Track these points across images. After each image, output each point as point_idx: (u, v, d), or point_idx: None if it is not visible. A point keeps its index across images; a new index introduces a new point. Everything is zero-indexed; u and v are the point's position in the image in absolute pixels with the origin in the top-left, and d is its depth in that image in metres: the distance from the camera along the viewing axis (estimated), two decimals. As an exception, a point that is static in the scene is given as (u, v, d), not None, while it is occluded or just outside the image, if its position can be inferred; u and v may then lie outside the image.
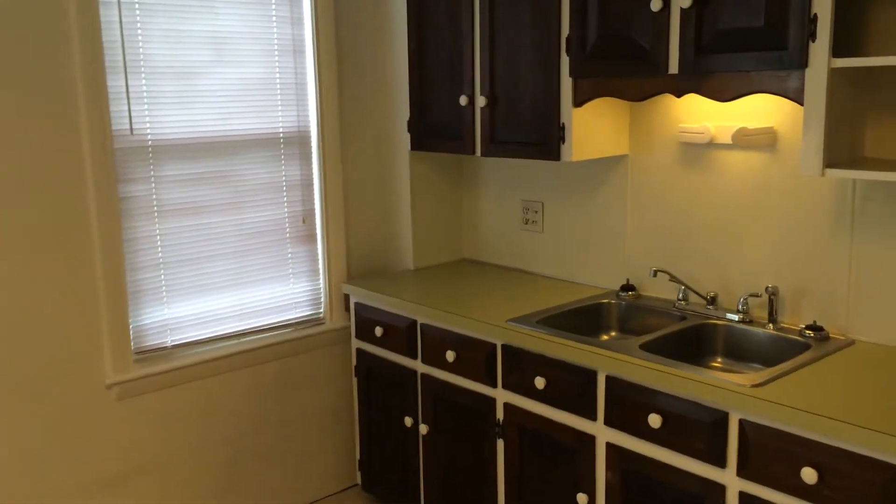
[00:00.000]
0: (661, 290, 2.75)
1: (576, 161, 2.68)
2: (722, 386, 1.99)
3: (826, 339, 2.31)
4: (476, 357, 2.63)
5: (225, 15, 2.84)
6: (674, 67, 2.27)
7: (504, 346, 2.53)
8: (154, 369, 2.80)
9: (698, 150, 2.61)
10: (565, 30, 2.53)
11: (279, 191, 3.08)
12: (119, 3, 2.59)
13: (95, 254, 2.63)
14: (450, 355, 2.70)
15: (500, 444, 2.60)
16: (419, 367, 2.86)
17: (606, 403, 2.27)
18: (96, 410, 2.70)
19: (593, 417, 2.31)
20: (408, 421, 2.92)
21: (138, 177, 2.72)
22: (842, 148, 2.13)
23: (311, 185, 3.16)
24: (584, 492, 2.35)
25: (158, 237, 2.78)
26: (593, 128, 2.66)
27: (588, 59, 2.49)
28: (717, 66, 2.20)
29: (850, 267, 2.31)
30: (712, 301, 2.58)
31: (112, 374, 2.71)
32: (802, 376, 2.06)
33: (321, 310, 3.25)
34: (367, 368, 3.11)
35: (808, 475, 1.83)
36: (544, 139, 2.66)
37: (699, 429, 2.05)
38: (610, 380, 2.25)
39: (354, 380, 3.19)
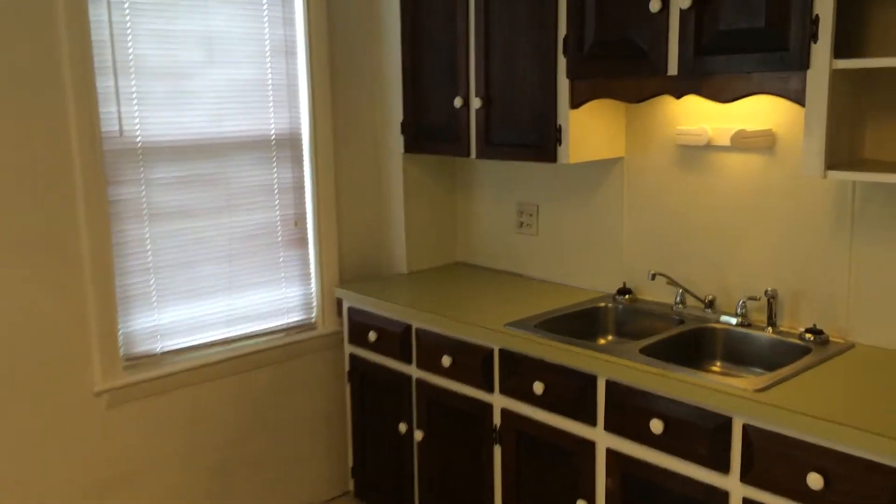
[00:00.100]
0: (658, 294, 2.73)
1: (572, 163, 2.65)
2: (725, 391, 1.97)
3: (826, 342, 2.29)
4: (472, 362, 2.59)
5: (216, 15, 2.79)
6: (673, 69, 2.25)
7: (501, 351, 2.50)
8: (144, 376, 2.74)
9: (695, 153, 2.60)
10: (562, 30, 2.51)
11: (271, 193, 3.03)
12: (108, 2, 2.54)
13: (84, 258, 2.58)
14: (446, 360, 2.66)
15: (497, 450, 2.57)
16: (414, 372, 2.82)
17: (606, 408, 2.24)
18: (85, 418, 2.65)
19: (593, 423, 2.28)
20: (402, 427, 2.88)
21: (128, 179, 2.66)
22: (842, 149, 2.12)
23: (302, 187, 3.12)
24: (583, 498, 2.32)
25: (148, 241, 2.73)
26: (590, 129, 2.63)
27: (585, 60, 2.47)
28: (717, 68, 2.18)
29: (849, 269, 2.30)
30: (710, 304, 2.56)
31: (101, 382, 2.65)
32: (805, 380, 2.04)
33: (313, 314, 3.21)
34: (361, 374, 3.07)
35: (814, 480, 1.81)
36: (541, 141, 2.64)
37: (701, 434, 2.03)
38: (610, 384, 2.22)
39: (347, 385, 3.15)
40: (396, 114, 3.14)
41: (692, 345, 2.46)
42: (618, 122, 2.73)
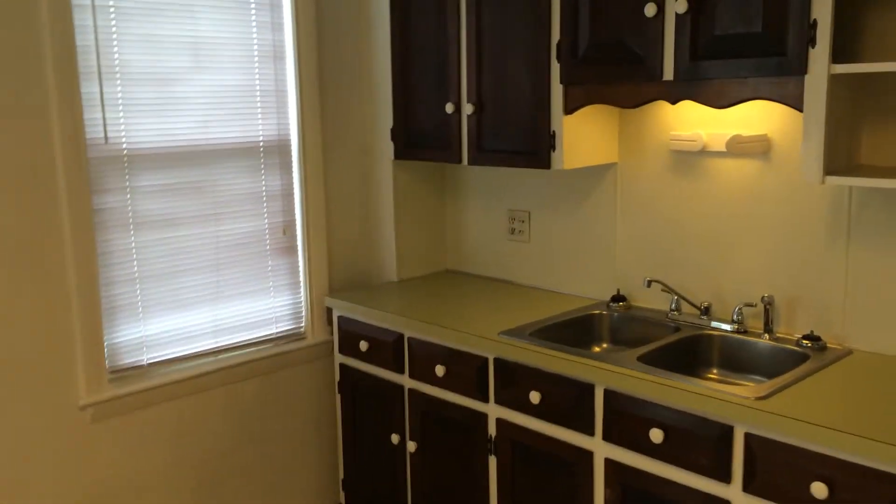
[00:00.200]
0: (652, 301, 2.70)
1: (565, 170, 2.63)
2: (726, 399, 1.94)
3: (823, 348, 2.28)
4: (467, 371, 2.56)
5: (203, 20, 2.74)
6: (669, 74, 2.24)
7: (496, 360, 2.46)
8: (130, 389, 2.68)
9: (690, 158, 2.58)
10: (556, 35, 2.49)
11: (259, 201, 2.98)
12: (93, 6, 2.49)
13: (68, 268, 2.51)
14: (439, 370, 2.62)
15: (493, 460, 2.53)
16: (406, 382, 2.78)
17: (605, 418, 2.21)
18: (70, 433, 2.58)
19: (591, 432, 2.25)
20: (395, 438, 2.84)
21: (113, 187, 2.60)
22: (840, 155, 2.11)
23: (291, 195, 3.07)
24: (581, 509, 2.29)
25: (134, 250, 2.67)
26: (583, 135, 2.61)
27: (579, 66, 2.45)
28: (713, 73, 2.16)
29: (846, 275, 2.29)
30: (706, 311, 2.54)
31: (86, 395, 2.58)
32: (805, 388, 2.02)
33: (302, 324, 3.16)
34: (352, 384, 3.02)
35: (818, 489, 1.79)
36: (534, 147, 2.61)
37: (702, 443, 2.00)
38: (608, 393, 2.19)
39: (338, 396, 3.10)
40: (386, 120, 3.10)
41: (689, 352, 2.44)
42: (611, 127, 2.71)
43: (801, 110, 2.04)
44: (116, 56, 2.55)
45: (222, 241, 2.89)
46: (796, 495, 1.84)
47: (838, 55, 1.99)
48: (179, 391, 2.80)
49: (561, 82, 2.50)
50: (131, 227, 2.66)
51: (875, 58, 2.10)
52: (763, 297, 2.38)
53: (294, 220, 3.09)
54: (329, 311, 3.11)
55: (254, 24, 2.88)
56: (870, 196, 2.22)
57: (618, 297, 2.75)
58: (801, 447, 1.82)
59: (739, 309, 2.44)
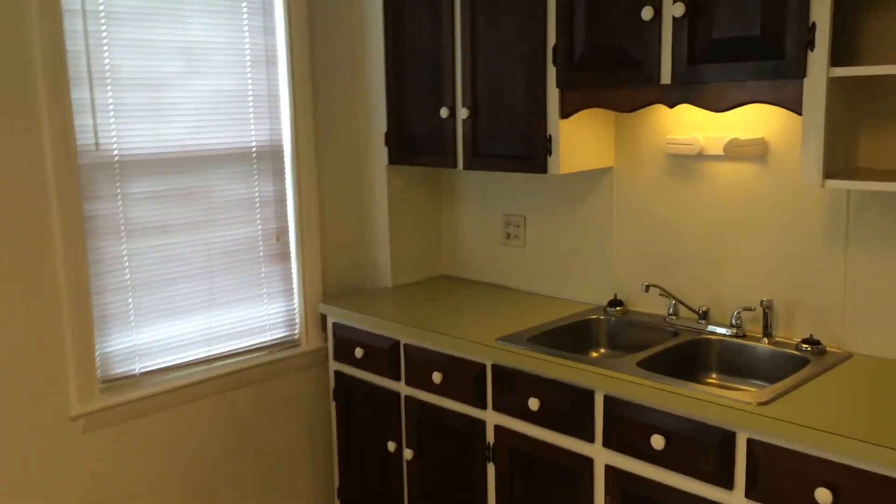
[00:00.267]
0: (650, 305, 2.69)
1: (562, 174, 2.61)
2: (728, 404, 1.92)
3: (823, 352, 2.27)
4: (464, 378, 2.53)
5: (195, 24, 2.71)
6: (666, 77, 2.22)
7: (494, 366, 2.44)
8: (122, 398, 2.64)
9: (687, 162, 2.57)
10: (551, 39, 2.47)
11: (252, 207, 2.95)
12: (84, 11, 2.45)
13: (59, 276, 2.47)
14: (436, 376, 2.60)
15: (491, 468, 2.50)
16: (403, 389, 2.75)
17: (605, 424, 2.19)
18: (61, 444, 2.53)
19: (591, 439, 2.23)
20: (391, 446, 2.81)
21: (104, 194, 2.57)
22: (838, 158, 2.10)
23: (284, 200, 3.04)
24: (581, 516, 2.27)
25: (126, 258, 2.63)
26: (579, 139, 2.60)
27: (576, 70, 2.43)
28: (711, 76, 2.15)
29: (844, 278, 2.28)
30: (704, 315, 2.52)
31: (77, 405, 2.54)
32: (807, 392, 2.01)
33: (296, 331, 3.12)
34: (347, 391, 2.99)
35: (823, 496, 1.77)
36: (530, 152, 2.59)
37: (704, 449, 1.98)
38: (608, 399, 2.17)
39: (333, 403, 3.07)
40: (380, 124, 3.07)
41: (688, 357, 2.42)
42: (607, 131, 2.70)
43: (800, 114, 2.03)
44: (107, 61, 2.52)
45: (215, 248, 2.86)
46: (800, 501, 1.82)
47: (836, 58, 1.99)
48: (172, 400, 2.77)
49: (557, 86, 2.48)
50: (123, 234, 2.62)
51: (873, 60, 2.10)
52: (762, 301, 2.37)
53: (287, 226, 3.06)
54: (323, 317, 3.08)
55: (246, 28, 2.85)
56: (868, 199, 2.21)
57: (615, 302, 2.74)
58: (804, 453, 1.81)
59: (738, 313, 2.43)
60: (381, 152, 3.09)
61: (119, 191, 2.60)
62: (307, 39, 2.99)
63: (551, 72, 2.49)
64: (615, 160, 2.74)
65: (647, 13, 2.21)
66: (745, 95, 2.14)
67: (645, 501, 2.13)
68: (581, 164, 2.62)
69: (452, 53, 2.74)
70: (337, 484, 3.12)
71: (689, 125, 2.53)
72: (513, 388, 2.40)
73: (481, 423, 2.51)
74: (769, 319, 2.37)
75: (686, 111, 2.49)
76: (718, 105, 2.20)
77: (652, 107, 2.51)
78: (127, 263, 2.64)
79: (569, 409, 2.26)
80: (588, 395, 2.21)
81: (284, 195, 3.04)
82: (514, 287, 3.11)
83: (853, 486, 1.74)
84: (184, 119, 2.72)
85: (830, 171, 2.04)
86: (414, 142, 2.96)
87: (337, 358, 3.00)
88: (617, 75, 2.34)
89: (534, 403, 2.33)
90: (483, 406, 2.49)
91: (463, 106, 2.74)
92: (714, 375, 2.43)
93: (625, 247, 2.75)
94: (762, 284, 2.43)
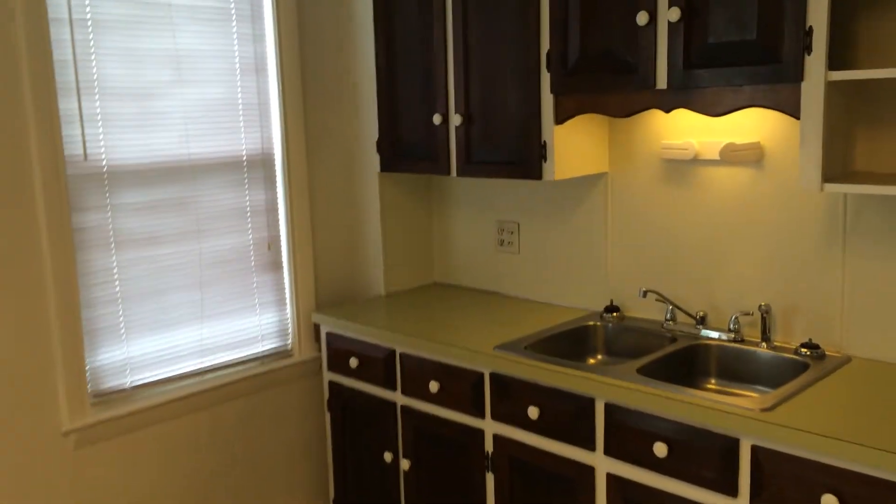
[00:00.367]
0: (646, 311, 2.67)
1: (556, 180, 2.59)
2: (732, 411, 1.91)
3: (823, 356, 2.26)
4: (461, 387, 2.51)
5: (184, 33, 2.67)
6: (662, 82, 2.21)
7: (492, 375, 2.42)
8: (114, 413, 2.59)
9: (682, 167, 2.56)
10: (545, 45, 2.45)
11: (243, 217, 2.91)
12: (71, 20, 2.41)
13: (48, 290, 2.43)
14: (433, 386, 2.57)
15: (490, 477, 2.48)
16: (399, 398, 2.72)
17: (606, 432, 2.17)
18: (53, 460, 2.48)
19: (592, 447, 2.21)
20: (387, 456, 2.77)
21: (93, 205, 2.52)
22: (836, 162, 2.10)
23: (276, 209, 3.01)
24: (583, 525, 2.25)
25: (116, 270, 2.59)
26: (574, 145, 2.58)
27: (570, 75, 2.42)
28: (708, 81, 2.14)
29: (842, 282, 2.27)
30: (702, 321, 2.51)
31: (68, 421, 2.49)
32: (809, 397, 2.00)
33: (289, 341, 3.09)
34: (342, 402, 2.96)
35: (829, 502, 1.76)
36: (525, 158, 2.57)
37: (708, 456, 1.97)
38: (609, 407, 2.15)
39: (327, 414, 3.03)
40: (372, 131, 3.05)
41: (687, 363, 2.41)
42: (602, 136, 2.69)
43: (797, 118, 2.03)
44: (95, 70, 2.48)
45: (206, 259, 2.82)
46: (806, 508, 1.81)
47: (832, 61, 1.98)
48: (165, 414, 2.72)
49: (551, 92, 2.47)
50: (112, 245, 2.58)
51: (869, 64, 2.10)
52: (760, 306, 2.37)
53: (279, 235, 3.03)
54: (316, 327, 3.05)
55: (235, 36, 2.82)
56: (865, 202, 2.21)
57: (611, 308, 2.72)
58: (810, 459, 1.80)
59: (736, 318, 2.42)
60: (373, 159, 3.07)
61: (108, 201, 2.55)
62: (297, 46, 2.96)
63: (545, 78, 2.47)
64: (610, 165, 2.73)
65: (642, 18, 2.20)
66: (741, 100, 2.14)
67: (647, 510, 2.11)
68: (576, 169, 2.61)
69: (445, 59, 2.72)
70: (333, 496, 3.08)
71: (683, 130, 2.52)
72: (512, 396, 2.37)
73: (480, 433, 2.48)
74: (767, 324, 2.37)
75: (681, 116, 2.48)
76: (715, 110, 2.19)
77: (647, 112, 2.50)
78: (117, 275, 2.59)
79: (569, 417, 2.24)
80: (589, 403, 2.20)
81: (276, 204, 3.01)
82: (508, 294, 3.09)
83: (859, 492, 1.73)
84: (173, 128, 2.68)
85: (828, 175, 2.03)
86: (406, 149, 2.94)
87: (331, 368, 2.97)
88: (612, 81, 2.32)
89: (533, 412, 2.31)
90: (481, 415, 2.47)
91: (456, 112, 2.72)
92: (713, 381, 2.42)
93: (620, 252, 2.74)
94: (759, 289, 2.43)
